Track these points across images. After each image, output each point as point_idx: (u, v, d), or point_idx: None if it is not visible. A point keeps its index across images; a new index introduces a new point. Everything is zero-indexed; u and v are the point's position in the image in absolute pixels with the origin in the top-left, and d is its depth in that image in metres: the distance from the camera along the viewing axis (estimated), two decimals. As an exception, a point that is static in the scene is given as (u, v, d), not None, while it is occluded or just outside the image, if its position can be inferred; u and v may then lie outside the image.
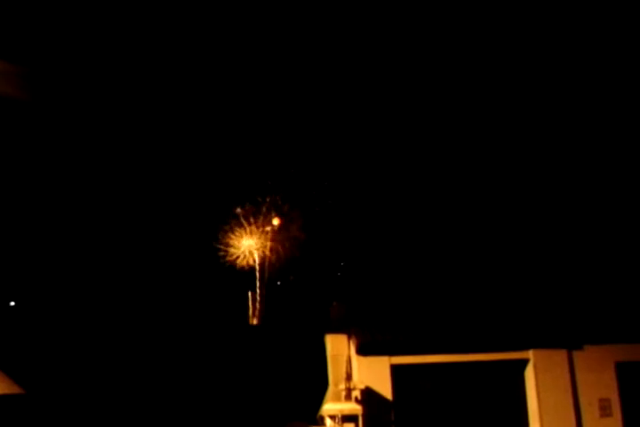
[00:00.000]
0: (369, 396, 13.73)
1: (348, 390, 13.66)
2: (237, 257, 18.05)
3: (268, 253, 17.25)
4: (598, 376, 14.19)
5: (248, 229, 17.93)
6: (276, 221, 17.18)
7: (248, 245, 17.55)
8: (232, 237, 18.41)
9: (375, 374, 13.94)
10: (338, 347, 14.58)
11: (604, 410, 14.08)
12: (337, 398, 13.86)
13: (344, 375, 14.02)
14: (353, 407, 13.38)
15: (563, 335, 14.38)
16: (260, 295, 16.51)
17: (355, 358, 14.19)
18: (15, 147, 14.92)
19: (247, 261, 17.64)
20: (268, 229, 18.01)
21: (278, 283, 16.97)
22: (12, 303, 17.93)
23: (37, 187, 15.79)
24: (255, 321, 16.85)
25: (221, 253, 18.33)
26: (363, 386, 13.70)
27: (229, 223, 19.23)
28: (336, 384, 14.14)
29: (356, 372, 14.10)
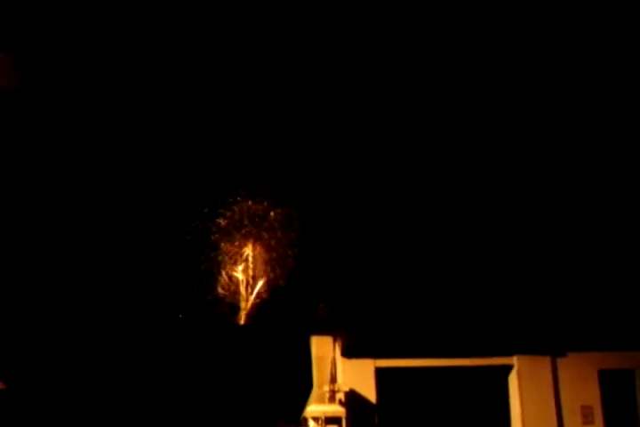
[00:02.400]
0: (353, 398, 13.73)
1: (332, 393, 13.65)
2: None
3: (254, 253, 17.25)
4: (581, 384, 14.26)
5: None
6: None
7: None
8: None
9: (360, 376, 13.94)
10: (323, 349, 14.56)
11: (587, 417, 14.15)
12: (321, 400, 13.85)
13: (328, 377, 14.00)
14: (336, 410, 13.38)
15: (547, 342, 14.44)
16: (247, 295, 16.49)
17: (339, 361, 14.19)
18: (7, 136, 14.78)
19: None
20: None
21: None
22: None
23: (29, 178, 15.65)
24: (242, 322, 16.85)
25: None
26: (347, 388, 13.70)
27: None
28: (320, 386, 14.12)
29: (340, 374, 14.10)
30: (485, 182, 15.51)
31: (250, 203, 17.20)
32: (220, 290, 16.60)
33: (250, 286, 15.83)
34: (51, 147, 15.21)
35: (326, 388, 13.76)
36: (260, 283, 15.62)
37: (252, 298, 15.54)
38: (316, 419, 13.40)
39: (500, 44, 14.50)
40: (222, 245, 17.15)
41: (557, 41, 14.42)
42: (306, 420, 14.12)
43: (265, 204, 17.26)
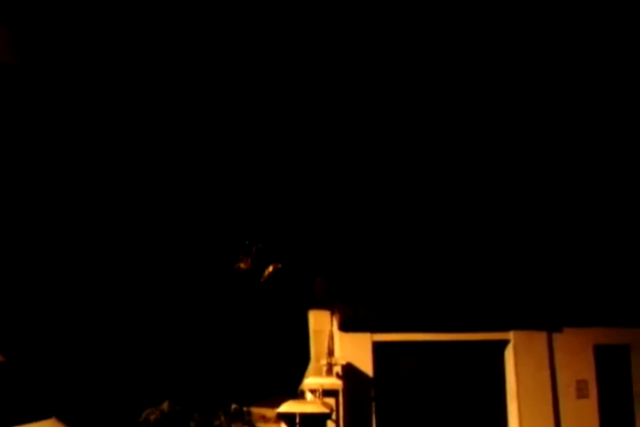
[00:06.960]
0: (350, 372, 13.87)
1: (330, 366, 13.77)
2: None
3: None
4: (576, 358, 14.42)
5: None
6: None
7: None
8: None
9: (357, 350, 14.07)
10: (320, 323, 14.65)
11: (581, 391, 14.32)
12: (318, 373, 13.97)
13: (326, 351, 14.12)
14: (334, 382, 13.51)
15: (543, 317, 14.56)
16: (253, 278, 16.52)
17: (337, 334, 14.30)
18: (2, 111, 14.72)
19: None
20: None
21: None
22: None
23: (28, 155, 15.60)
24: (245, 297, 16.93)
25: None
26: (344, 362, 13.83)
27: None
28: (318, 359, 14.24)
29: (337, 348, 14.21)
30: (485, 162, 15.49)
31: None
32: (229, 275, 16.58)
33: (256, 270, 15.86)
34: (45, 117, 15.11)
35: (324, 361, 13.87)
36: (265, 269, 15.65)
37: (258, 280, 15.58)
38: (313, 391, 13.54)
39: (501, 44, 14.44)
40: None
41: (557, 41, 14.37)
42: (303, 392, 14.28)
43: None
